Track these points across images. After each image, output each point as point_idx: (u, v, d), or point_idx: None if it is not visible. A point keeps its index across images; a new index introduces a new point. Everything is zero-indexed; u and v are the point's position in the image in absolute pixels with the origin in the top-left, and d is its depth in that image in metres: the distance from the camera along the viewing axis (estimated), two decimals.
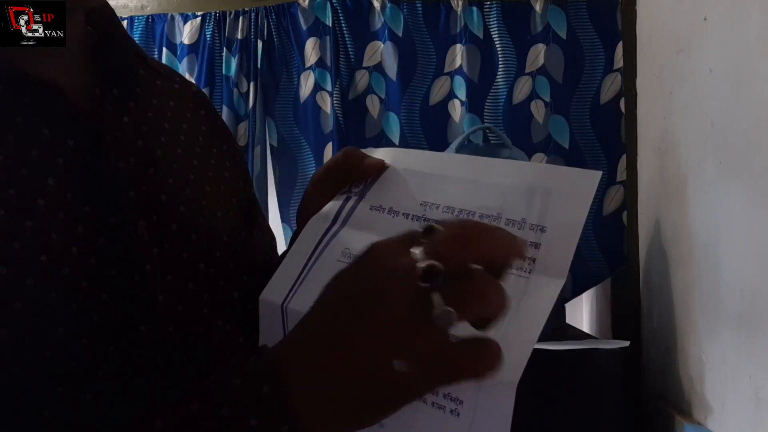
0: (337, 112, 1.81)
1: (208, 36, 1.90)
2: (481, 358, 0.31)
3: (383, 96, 1.86)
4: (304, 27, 1.84)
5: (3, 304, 0.37)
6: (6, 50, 0.44)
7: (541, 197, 0.42)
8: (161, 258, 0.43)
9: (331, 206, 0.50)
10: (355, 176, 0.48)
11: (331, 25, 1.82)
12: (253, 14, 1.88)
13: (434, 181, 0.46)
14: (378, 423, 0.34)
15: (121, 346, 0.41)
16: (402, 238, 0.34)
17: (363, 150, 0.49)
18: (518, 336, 0.36)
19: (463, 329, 0.32)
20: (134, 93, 0.49)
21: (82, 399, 0.39)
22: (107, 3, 0.51)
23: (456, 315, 0.31)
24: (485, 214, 0.42)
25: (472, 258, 0.32)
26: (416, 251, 0.32)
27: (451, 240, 0.32)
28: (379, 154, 0.49)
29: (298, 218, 0.53)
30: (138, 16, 1.94)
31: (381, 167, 0.48)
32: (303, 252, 0.47)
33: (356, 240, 0.46)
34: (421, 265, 0.31)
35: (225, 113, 1.82)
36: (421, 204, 0.45)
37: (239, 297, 0.50)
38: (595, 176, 0.41)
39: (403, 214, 0.46)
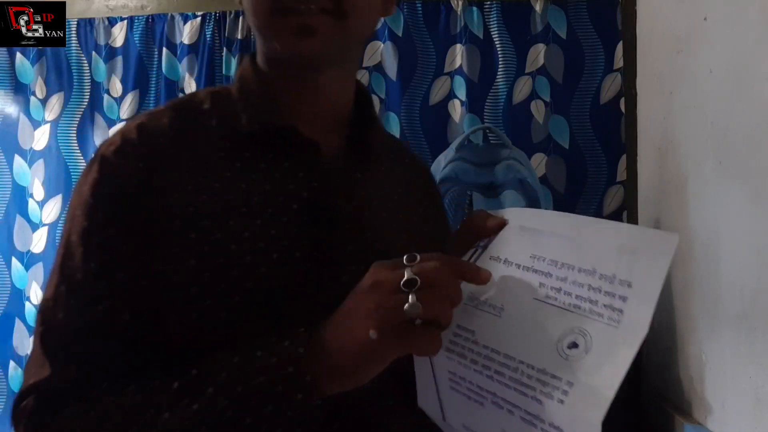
0: None
1: (208, 36, 1.90)
2: (426, 341, 0.48)
3: (383, 96, 1.86)
4: None
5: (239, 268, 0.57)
6: (284, 115, 0.65)
7: (628, 256, 0.49)
8: (356, 273, 0.55)
9: (464, 257, 0.60)
10: (482, 234, 0.59)
11: None
12: None
13: (542, 238, 0.55)
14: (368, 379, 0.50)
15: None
16: (397, 262, 0.50)
17: (490, 212, 0.62)
18: (606, 378, 0.44)
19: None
20: (370, 159, 0.69)
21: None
22: (365, 87, 0.73)
23: (420, 309, 0.47)
24: (582, 269, 0.50)
25: (440, 278, 0.49)
26: (406, 270, 0.49)
27: (426, 266, 0.49)
28: (502, 213, 0.60)
29: None
30: (138, 16, 1.94)
31: (502, 225, 0.58)
32: None
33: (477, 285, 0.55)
34: (406, 276, 0.48)
35: None
36: (530, 257, 0.54)
37: None
38: (673, 239, 0.48)
39: (516, 264, 0.54)
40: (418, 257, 0.50)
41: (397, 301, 0.47)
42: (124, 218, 0.57)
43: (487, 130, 1.76)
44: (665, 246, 0.48)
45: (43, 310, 0.58)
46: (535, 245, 0.54)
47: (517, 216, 0.59)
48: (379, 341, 0.48)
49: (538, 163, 1.81)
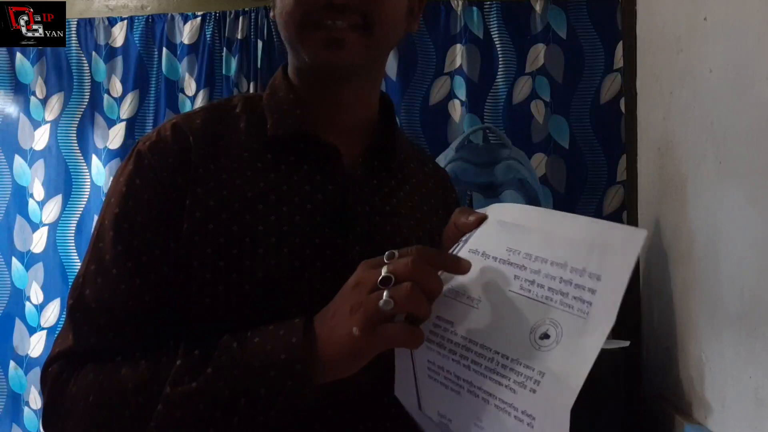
0: None
1: (208, 36, 1.90)
2: (405, 336, 0.51)
3: None
4: None
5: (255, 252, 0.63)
6: (308, 121, 0.69)
7: (599, 251, 0.51)
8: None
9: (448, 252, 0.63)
10: (465, 229, 0.61)
11: None
12: (253, 14, 1.88)
13: (519, 232, 0.56)
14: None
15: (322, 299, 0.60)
16: (379, 260, 0.54)
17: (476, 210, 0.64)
18: (575, 367, 0.47)
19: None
20: (389, 166, 0.73)
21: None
22: (389, 98, 0.77)
23: (393, 303, 0.50)
24: (555, 262, 0.52)
25: (413, 273, 0.51)
26: (383, 269, 0.52)
27: (401, 263, 0.52)
28: (485, 209, 0.62)
29: None
30: (138, 16, 1.94)
31: (482, 219, 0.60)
32: None
33: (458, 277, 0.57)
34: (382, 274, 0.51)
35: None
36: (507, 250, 0.56)
37: None
38: (641, 234, 0.50)
39: (492, 257, 0.56)
40: (397, 254, 0.53)
41: (375, 299, 0.51)
42: (153, 208, 0.63)
43: (487, 130, 1.76)
44: (633, 241, 0.50)
45: (74, 286, 0.64)
46: (512, 239, 0.56)
47: (497, 211, 0.61)
48: (360, 338, 0.52)
49: (538, 163, 1.81)
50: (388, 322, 0.51)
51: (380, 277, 0.51)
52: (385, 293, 0.50)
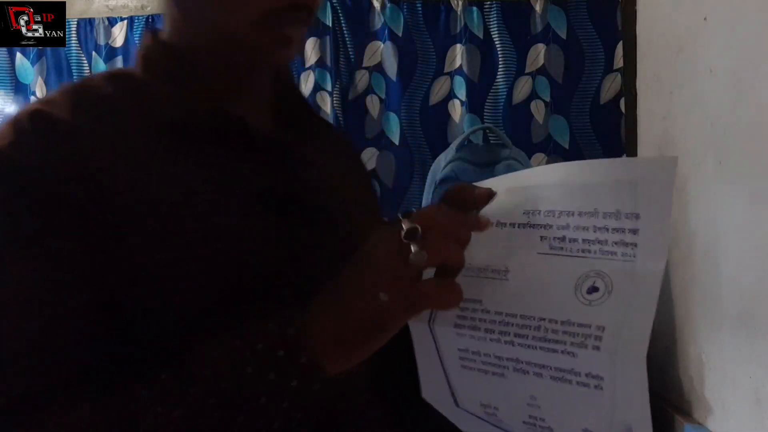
0: (337, 112, 1.81)
1: None
2: (443, 292, 0.45)
3: (383, 96, 1.86)
4: None
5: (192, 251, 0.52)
6: (212, 92, 0.59)
7: (628, 189, 0.47)
8: (309, 248, 0.56)
9: None
10: (470, 207, 0.54)
11: (331, 25, 1.82)
12: None
13: (532, 192, 0.52)
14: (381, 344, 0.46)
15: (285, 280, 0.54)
16: (394, 220, 0.46)
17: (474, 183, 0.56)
18: (637, 312, 0.43)
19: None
20: (304, 135, 0.65)
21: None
22: (288, 67, 0.71)
23: (426, 256, 0.43)
24: (583, 212, 0.48)
25: (440, 221, 0.46)
26: (403, 224, 0.45)
27: (423, 213, 0.46)
28: (487, 183, 0.55)
29: None
30: (138, 16, 1.93)
31: (490, 195, 0.54)
32: None
33: (473, 253, 0.51)
34: (405, 228, 0.44)
35: None
36: (524, 213, 0.51)
37: None
38: (672, 161, 0.46)
39: (510, 224, 0.51)
40: (414, 210, 0.47)
41: (402, 255, 0.44)
42: (47, 216, 0.49)
43: (487, 130, 1.76)
44: (665, 169, 0.46)
45: None
46: (527, 201, 0.51)
47: (500, 182, 0.56)
48: (390, 303, 0.44)
49: (538, 163, 1.81)
50: (420, 281, 0.45)
51: (404, 231, 0.44)
52: (413, 246, 0.44)
